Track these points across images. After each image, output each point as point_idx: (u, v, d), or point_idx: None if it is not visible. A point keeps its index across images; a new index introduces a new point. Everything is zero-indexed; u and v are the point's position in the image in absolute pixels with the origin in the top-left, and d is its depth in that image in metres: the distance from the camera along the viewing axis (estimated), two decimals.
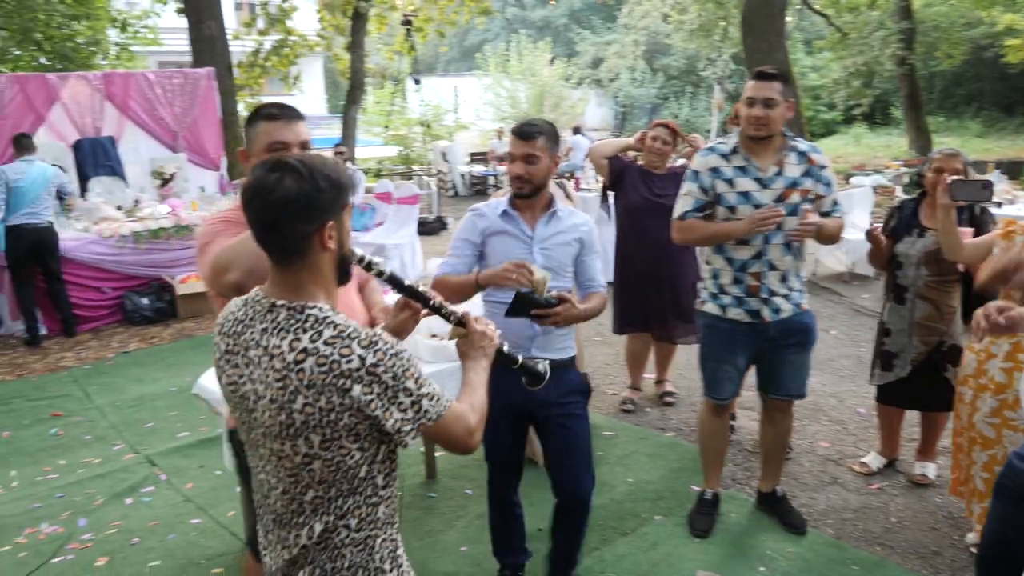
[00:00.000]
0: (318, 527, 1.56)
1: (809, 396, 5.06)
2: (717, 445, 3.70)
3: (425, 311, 1.92)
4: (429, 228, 11.97)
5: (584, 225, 2.91)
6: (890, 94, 21.97)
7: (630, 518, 3.74)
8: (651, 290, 4.73)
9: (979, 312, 2.20)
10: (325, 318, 1.49)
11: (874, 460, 4.17)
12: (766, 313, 3.28)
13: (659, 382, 5.29)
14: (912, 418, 4.28)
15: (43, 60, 14.64)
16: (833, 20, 18.24)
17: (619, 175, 4.76)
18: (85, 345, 6.85)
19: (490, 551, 3.29)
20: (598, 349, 6.14)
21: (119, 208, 8.10)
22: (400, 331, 1.98)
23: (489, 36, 36.02)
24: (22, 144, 6.81)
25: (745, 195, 3.21)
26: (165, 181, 8.98)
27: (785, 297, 3.29)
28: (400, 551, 1.71)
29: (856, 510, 3.76)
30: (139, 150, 9.41)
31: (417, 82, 13.34)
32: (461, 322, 1.88)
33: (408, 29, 13.81)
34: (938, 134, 19.39)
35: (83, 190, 8.60)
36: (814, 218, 3.19)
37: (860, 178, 13.96)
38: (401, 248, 8.54)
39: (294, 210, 1.48)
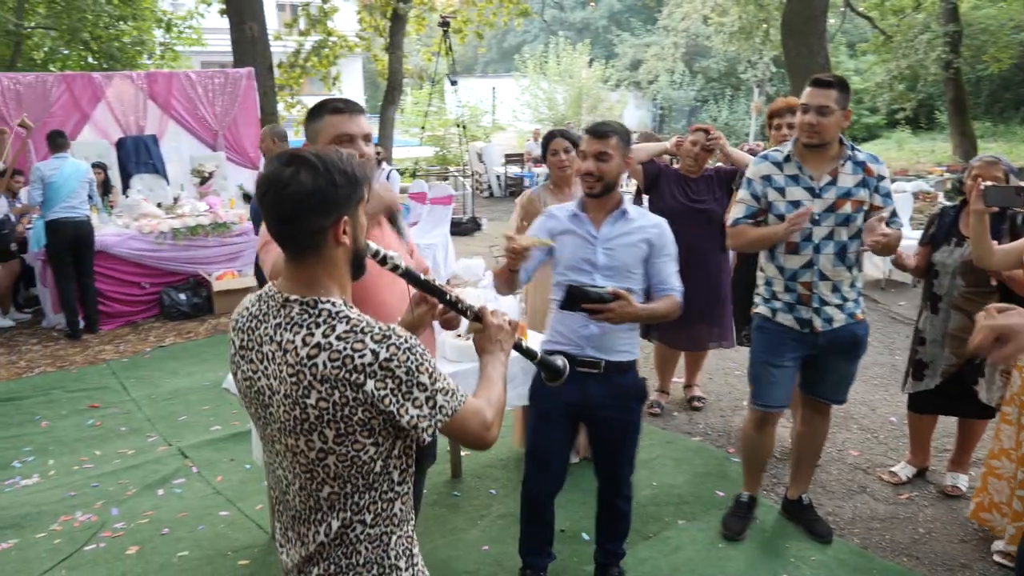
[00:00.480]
0: (335, 524, 1.55)
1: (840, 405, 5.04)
2: (760, 457, 3.65)
3: (441, 306, 1.93)
4: (463, 229, 12.02)
5: (655, 227, 2.90)
6: (935, 98, 21.61)
7: (653, 522, 3.73)
8: (684, 296, 4.70)
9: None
10: (338, 312, 1.48)
11: (903, 470, 4.10)
12: (817, 323, 3.25)
13: (688, 386, 5.26)
14: (943, 428, 4.21)
15: (90, 60, 15.00)
16: (877, 23, 17.98)
17: (654, 179, 4.74)
18: (123, 339, 7.00)
19: (512, 551, 3.31)
20: None
21: (159, 205, 8.26)
22: (417, 326, 1.97)
23: (528, 38, 36.07)
24: (56, 142, 6.97)
25: (796, 204, 3.18)
26: (204, 179, 9.14)
27: (839, 307, 3.25)
28: (415, 549, 1.69)
29: (884, 520, 3.71)
30: (180, 148, 9.61)
31: (454, 83, 13.37)
32: (478, 316, 1.86)
33: (445, 30, 13.87)
34: (984, 139, 19.03)
35: (125, 187, 8.80)
36: (883, 229, 3.04)
37: (901, 183, 13.72)
38: (434, 248, 8.59)
39: (309, 204, 1.47)
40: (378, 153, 10.20)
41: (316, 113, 2.34)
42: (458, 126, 14.03)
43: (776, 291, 3.33)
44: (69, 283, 6.91)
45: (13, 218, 7.45)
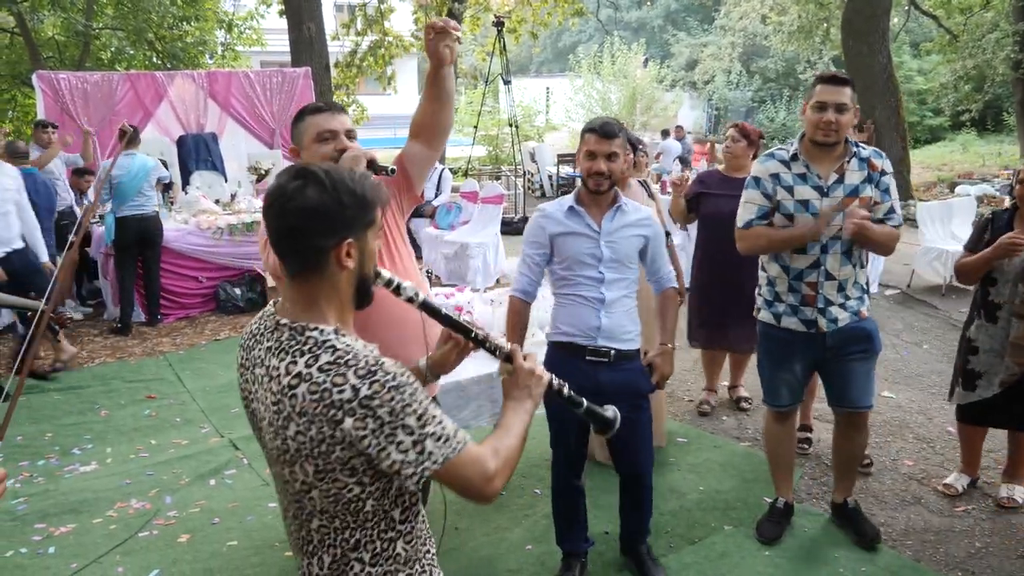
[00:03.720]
0: (327, 558, 1.48)
1: (895, 412, 4.94)
2: (783, 452, 3.62)
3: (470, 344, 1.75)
4: (514, 228, 12.03)
5: (648, 219, 3.05)
6: (1003, 99, 20.92)
7: (699, 527, 3.69)
8: (729, 298, 4.66)
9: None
10: (325, 341, 1.38)
11: (958, 480, 3.99)
12: (822, 323, 3.21)
13: (732, 387, 5.21)
14: (992, 435, 4.09)
15: (154, 59, 15.42)
16: (943, 21, 17.49)
17: (695, 201, 4.80)
18: (180, 332, 7.17)
19: (555, 551, 3.30)
20: (675, 356, 6.05)
21: (217, 202, 8.45)
22: (442, 365, 1.79)
23: (583, 37, 35.97)
24: (129, 138, 7.14)
25: (804, 203, 3.15)
26: (261, 176, 9.32)
27: (842, 306, 3.21)
28: None
29: (938, 532, 3.61)
30: (238, 146, 9.83)
31: (507, 83, 13.40)
32: (508, 357, 1.66)
33: (500, 30, 13.91)
34: None
35: (184, 184, 9.02)
36: (861, 212, 3.06)
37: (965, 187, 13.38)
38: (484, 247, 8.62)
39: (312, 221, 1.39)
40: None
41: (299, 117, 2.42)
42: (511, 125, 14.05)
43: (779, 292, 3.28)
44: (130, 278, 7.11)
45: (78, 212, 7.68)
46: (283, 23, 11.82)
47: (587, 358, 2.94)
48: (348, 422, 1.32)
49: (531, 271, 3.04)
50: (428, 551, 1.61)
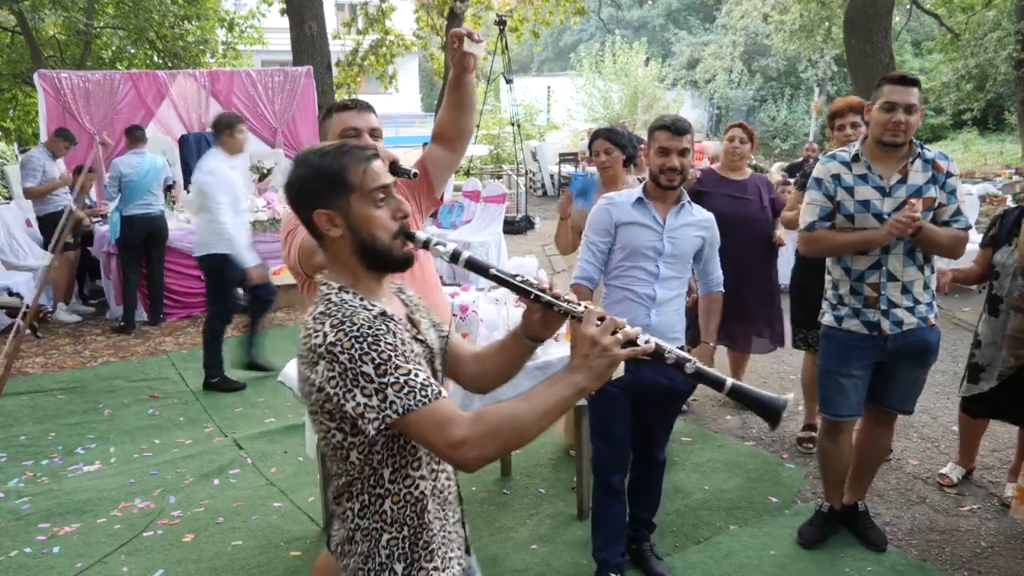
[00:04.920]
0: (331, 495, 1.62)
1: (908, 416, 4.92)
2: (835, 465, 3.53)
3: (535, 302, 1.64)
4: (516, 227, 12.05)
5: (708, 221, 3.09)
6: (1004, 98, 20.91)
7: (704, 526, 3.68)
8: (728, 297, 4.65)
9: None
10: (326, 296, 1.52)
11: (953, 471, 4.03)
12: (886, 326, 3.16)
13: None
14: (997, 435, 4.08)
15: (155, 58, 15.41)
16: (944, 20, 17.46)
17: (695, 193, 4.76)
18: (183, 331, 7.17)
19: (561, 550, 3.31)
20: None
21: None
22: (531, 327, 1.71)
23: (584, 36, 35.96)
24: (134, 136, 7.13)
25: (865, 204, 3.11)
26: (263, 176, 9.30)
27: (909, 310, 3.16)
28: (427, 561, 1.59)
29: (944, 532, 3.60)
30: None
31: (509, 82, 13.42)
32: (577, 318, 1.54)
33: (502, 29, 13.90)
34: None
35: (187, 183, 9.01)
36: (911, 214, 2.96)
37: (968, 186, 13.34)
38: (487, 246, 8.61)
39: (289, 196, 1.59)
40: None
41: (327, 113, 2.46)
42: (512, 124, 14.05)
43: (843, 294, 3.24)
44: (133, 277, 7.10)
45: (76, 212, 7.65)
46: (284, 22, 11.82)
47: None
48: (321, 365, 1.44)
49: (595, 258, 3.05)
50: (428, 523, 1.59)
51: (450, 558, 1.64)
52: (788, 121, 27.33)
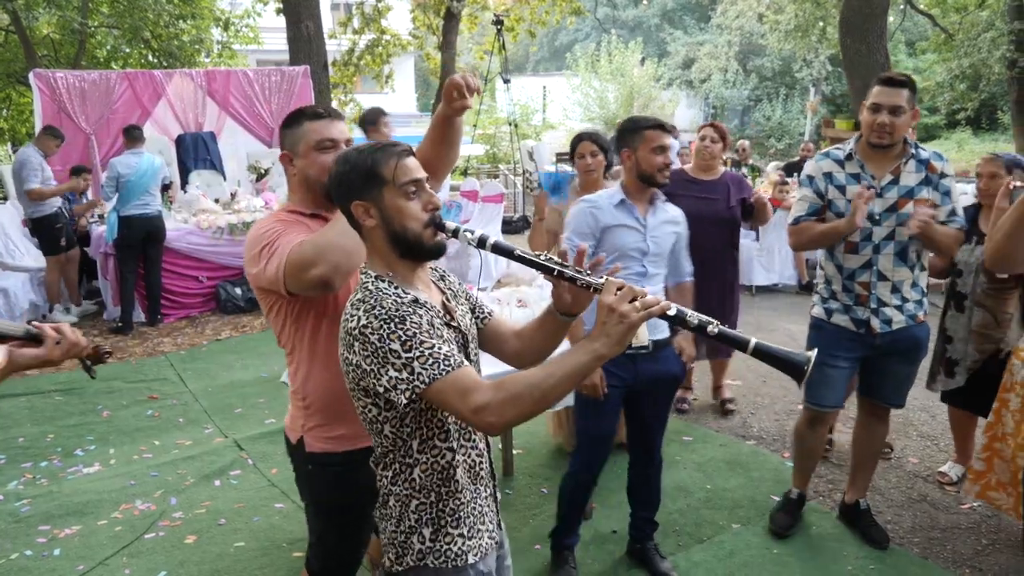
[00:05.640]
0: (373, 465, 1.76)
1: (899, 410, 4.92)
2: (811, 454, 3.63)
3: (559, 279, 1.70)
4: (514, 227, 12.06)
5: (681, 216, 3.16)
6: (998, 98, 20.97)
7: (707, 525, 3.69)
8: (698, 300, 4.65)
9: None
10: (364, 283, 1.65)
11: (952, 469, 4.08)
12: (875, 324, 3.20)
13: (716, 388, 5.22)
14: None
15: (150, 58, 15.35)
16: (939, 20, 17.50)
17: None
18: (181, 331, 7.15)
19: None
20: None
21: (216, 201, 8.42)
22: (564, 302, 1.77)
23: (580, 36, 35.94)
24: (132, 136, 7.12)
25: None
26: (260, 175, 9.29)
27: (898, 308, 3.20)
28: (453, 527, 1.71)
29: (945, 529, 3.61)
30: (237, 145, 9.79)
31: (507, 82, 13.39)
32: (597, 289, 1.61)
33: (499, 29, 13.89)
34: None
35: (184, 183, 8.99)
36: (926, 211, 3.04)
37: (962, 185, 13.39)
38: None
39: (333, 191, 1.72)
40: None
41: (294, 121, 2.25)
42: (510, 124, 14.04)
43: (835, 290, 3.29)
44: (132, 277, 7.08)
45: (67, 214, 7.60)
46: (279, 21, 11.78)
47: (627, 351, 2.94)
48: (356, 346, 1.59)
49: None
50: (455, 491, 1.71)
51: (479, 529, 1.76)
52: (783, 121, 27.37)
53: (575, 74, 27.83)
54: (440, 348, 1.56)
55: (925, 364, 3.88)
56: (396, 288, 1.63)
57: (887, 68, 12.00)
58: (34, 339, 1.89)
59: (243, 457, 4.50)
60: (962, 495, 3.83)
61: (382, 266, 1.69)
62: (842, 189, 3.18)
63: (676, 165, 5.84)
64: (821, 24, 18.81)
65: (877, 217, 3.12)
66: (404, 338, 1.54)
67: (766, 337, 1.97)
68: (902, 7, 17.99)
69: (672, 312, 1.58)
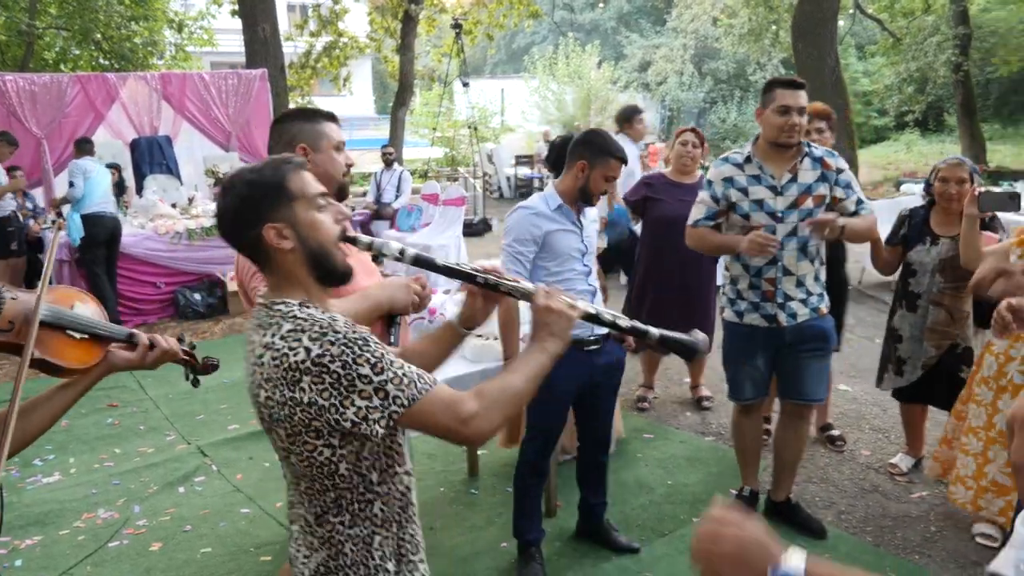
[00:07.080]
0: (311, 518, 1.56)
1: (851, 405, 5.09)
2: (751, 444, 3.75)
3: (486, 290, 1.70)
4: (474, 230, 12.08)
5: (596, 214, 3.36)
6: (944, 100, 21.52)
7: (668, 520, 3.77)
8: (676, 302, 4.74)
9: (1002, 306, 2.28)
10: (288, 312, 1.47)
11: (903, 460, 4.22)
12: (782, 318, 3.34)
13: (694, 387, 5.32)
14: (939, 423, 4.24)
15: (102, 60, 15.09)
16: (887, 25, 17.96)
17: (641, 204, 4.88)
18: None
19: None
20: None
21: (174, 206, 8.34)
22: (472, 317, 1.78)
23: (537, 39, 36.07)
24: (83, 148, 7.07)
25: (759, 203, 3.28)
26: (218, 180, 9.21)
27: (802, 302, 3.34)
28: (413, 554, 1.65)
29: (895, 518, 3.75)
30: (193, 149, 9.70)
31: (465, 85, 13.45)
32: (526, 296, 1.64)
33: (457, 32, 13.94)
34: (992, 141, 18.99)
35: (139, 188, 8.88)
36: (827, 215, 3.20)
37: (911, 185, 13.78)
38: (447, 249, 8.64)
39: (225, 225, 1.54)
40: (389, 154, 10.31)
41: (313, 118, 2.29)
42: (469, 127, 14.09)
43: (741, 289, 3.42)
44: (103, 274, 6.98)
45: (21, 217, 7.47)
46: (234, 23, 11.72)
47: (585, 348, 3.11)
48: (305, 380, 1.40)
49: (523, 268, 3.09)
50: (411, 516, 1.65)
51: (423, 547, 1.70)
52: (738, 123, 27.74)
53: (533, 77, 27.90)
54: (410, 367, 1.47)
55: (872, 364, 4.02)
56: (324, 313, 1.49)
57: (837, 71, 12.31)
58: (132, 343, 1.88)
59: (207, 463, 4.48)
60: (925, 473, 4.02)
61: (299, 294, 1.53)
62: (744, 191, 3.31)
63: (637, 170, 5.98)
64: (774, 28, 19.16)
65: (780, 215, 3.26)
66: (373, 360, 1.41)
67: None
68: (852, 12, 18.40)
69: (591, 311, 1.66)
